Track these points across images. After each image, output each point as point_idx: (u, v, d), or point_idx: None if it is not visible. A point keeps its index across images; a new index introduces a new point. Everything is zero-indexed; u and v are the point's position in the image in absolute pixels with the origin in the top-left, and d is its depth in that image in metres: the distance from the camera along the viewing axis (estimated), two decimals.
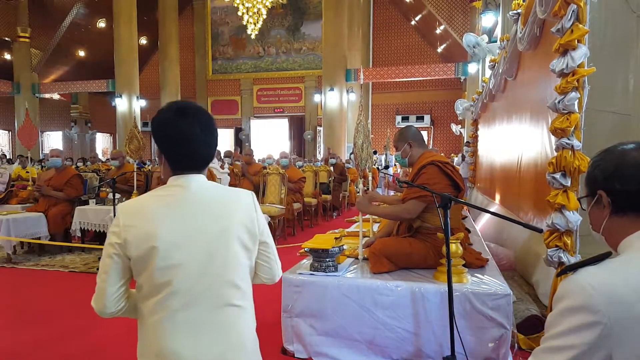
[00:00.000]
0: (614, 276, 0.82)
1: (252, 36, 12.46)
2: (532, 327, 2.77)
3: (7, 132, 19.26)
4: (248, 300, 1.24)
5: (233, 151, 12.37)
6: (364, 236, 3.22)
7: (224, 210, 1.21)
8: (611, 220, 0.95)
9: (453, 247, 2.40)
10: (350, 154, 14.18)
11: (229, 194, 1.26)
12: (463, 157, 9.83)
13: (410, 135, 2.95)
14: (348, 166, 11.03)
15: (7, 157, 14.99)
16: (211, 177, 5.36)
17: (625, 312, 0.77)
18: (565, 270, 0.94)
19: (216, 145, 1.26)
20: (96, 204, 5.79)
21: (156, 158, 1.53)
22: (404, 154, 2.96)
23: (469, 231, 3.24)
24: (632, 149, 0.93)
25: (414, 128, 3.06)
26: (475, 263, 2.76)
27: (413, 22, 19.06)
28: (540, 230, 1.80)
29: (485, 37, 9.85)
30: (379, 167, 11.65)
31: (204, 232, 1.16)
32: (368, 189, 6.99)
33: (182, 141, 1.18)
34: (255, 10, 11.71)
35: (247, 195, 1.28)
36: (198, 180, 1.21)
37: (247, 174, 7.04)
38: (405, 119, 19.16)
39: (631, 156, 0.92)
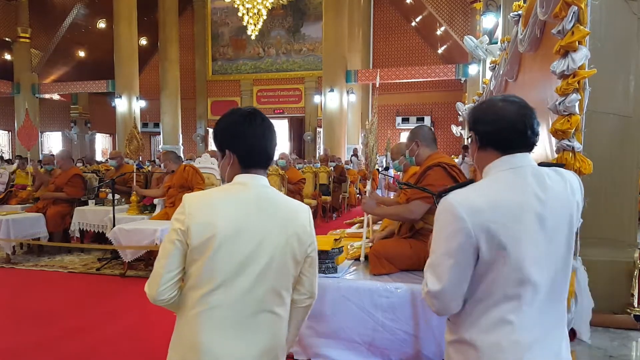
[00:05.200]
0: (472, 193, 1.14)
1: (252, 37, 12.45)
2: None
3: (7, 132, 19.25)
4: (287, 311, 1.28)
5: None
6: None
7: (284, 216, 1.25)
8: (478, 154, 1.24)
9: None
10: (352, 155, 14.17)
11: (290, 202, 1.31)
12: (464, 157, 9.84)
13: (419, 135, 2.94)
14: (348, 167, 11.03)
15: (5, 158, 14.93)
16: (199, 175, 5.28)
17: (480, 217, 1.09)
18: (440, 194, 1.22)
19: (276, 145, 1.35)
20: (95, 204, 5.78)
21: (217, 158, 1.58)
22: (411, 152, 2.95)
23: None
24: (497, 100, 1.20)
25: (426, 128, 3.05)
26: None
27: (413, 24, 19.06)
28: (431, 192, 1.87)
29: (486, 39, 9.85)
30: (379, 168, 11.66)
31: (262, 232, 1.20)
32: (365, 190, 6.99)
33: (258, 140, 1.27)
34: (256, 11, 11.70)
35: (305, 209, 1.33)
36: (264, 180, 1.28)
37: None
38: (405, 120, 19.15)
39: (492, 105, 1.21)
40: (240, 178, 1.26)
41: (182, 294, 1.21)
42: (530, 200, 1.10)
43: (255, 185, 1.25)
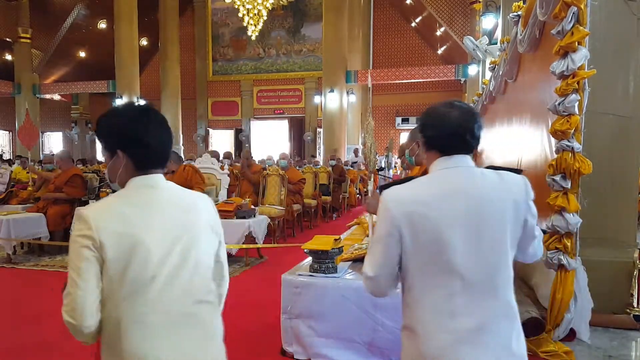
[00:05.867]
0: (402, 188, 1.27)
1: (253, 38, 12.45)
2: (532, 330, 2.76)
3: (7, 132, 19.26)
4: (216, 297, 1.30)
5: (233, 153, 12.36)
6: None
7: (197, 210, 1.25)
8: (426, 155, 1.34)
9: None
10: (357, 155, 14.17)
11: (195, 196, 1.30)
12: None
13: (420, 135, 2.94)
14: (348, 168, 11.02)
15: (5, 159, 14.93)
16: (199, 174, 5.30)
17: (403, 208, 1.22)
18: (381, 189, 1.31)
19: (172, 144, 1.30)
20: None
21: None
22: (411, 152, 2.96)
23: None
24: (441, 106, 1.30)
25: None
26: None
27: (413, 24, 19.07)
28: (543, 232, 1.86)
29: (485, 39, 9.86)
30: (377, 168, 11.66)
31: (182, 231, 1.19)
32: (368, 190, 6.98)
33: (153, 140, 1.20)
34: (256, 11, 11.71)
35: (207, 198, 1.33)
36: (163, 179, 1.23)
37: (247, 172, 6.99)
38: (405, 120, 19.15)
39: (436, 111, 1.31)
40: (145, 181, 1.20)
41: (105, 313, 1.13)
42: (455, 195, 1.20)
43: (163, 187, 1.22)
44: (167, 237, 1.16)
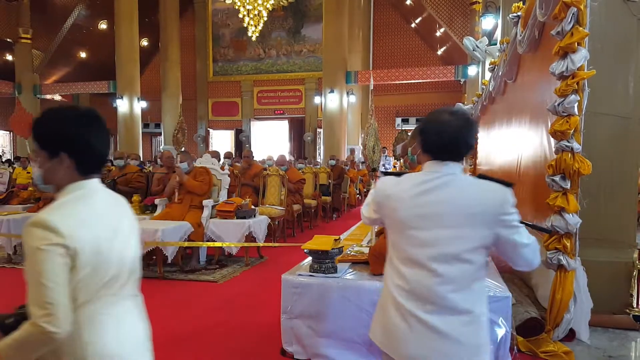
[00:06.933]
0: (390, 181, 1.46)
1: (253, 38, 12.46)
2: (531, 330, 2.77)
3: (8, 132, 19.27)
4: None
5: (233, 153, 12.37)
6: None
7: (123, 206, 1.32)
8: (422, 156, 1.44)
9: None
10: (359, 155, 14.17)
11: (114, 194, 1.35)
12: None
13: None
14: (347, 168, 11.01)
15: (5, 159, 14.92)
16: (209, 175, 5.34)
17: (383, 199, 1.44)
18: (384, 173, 1.53)
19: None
20: None
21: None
22: (413, 151, 2.97)
23: None
24: (442, 113, 1.39)
25: None
26: None
27: (413, 25, 19.07)
28: (548, 231, 1.91)
29: (485, 40, 9.86)
30: (373, 168, 11.67)
31: (128, 228, 1.28)
32: (368, 190, 6.99)
33: (102, 144, 1.24)
34: (256, 12, 11.72)
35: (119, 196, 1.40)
36: (99, 182, 1.28)
37: (244, 178, 6.98)
38: (405, 121, 19.15)
39: (437, 119, 1.39)
40: (90, 184, 1.23)
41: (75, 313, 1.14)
42: (426, 197, 1.35)
43: (104, 190, 1.27)
44: (120, 236, 1.24)
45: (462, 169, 1.39)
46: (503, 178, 1.41)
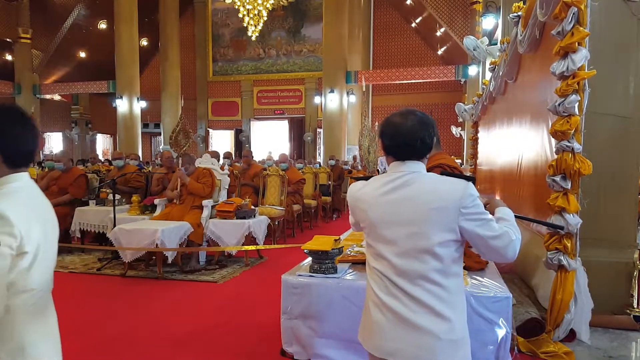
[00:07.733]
0: (357, 186, 1.52)
1: (253, 38, 12.46)
2: (531, 330, 2.76)
3: None
4: None
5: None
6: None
7: (47, 201, 1.36)
8: (386, 158, 1.50)
9: None
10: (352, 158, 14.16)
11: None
12: None
13: None
14: (346, 168, 10.99)
15: None
16: (212, 177, 5.35)
17: (354, 202, 1.52)
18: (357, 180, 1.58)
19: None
20: (96, 204, 5.79)
21: None
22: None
23: None
24: (396, 116, 1.47)
25: None
26: (474, 266, 2.75)
27: (413, 25, 19.07)
28: (561, 227, 1.95)
29: (486, 40, 9.85)
30: (379, 169, 11.65)
31: (53, 220, 1.32)
32: None
33: (27, 140, 1.28)
34: (256, 12, 11.71)
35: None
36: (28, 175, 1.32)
37: (244, 178, 6.98)
38: None
39: (391, 122, 1.47)
40: (22, 178, 1.27)
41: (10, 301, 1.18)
42: (390, 196, 1.42)
43: (34, 183, 1.32)
44: (54, 229, 1.31)
45: (423, 167, 1.44)
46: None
